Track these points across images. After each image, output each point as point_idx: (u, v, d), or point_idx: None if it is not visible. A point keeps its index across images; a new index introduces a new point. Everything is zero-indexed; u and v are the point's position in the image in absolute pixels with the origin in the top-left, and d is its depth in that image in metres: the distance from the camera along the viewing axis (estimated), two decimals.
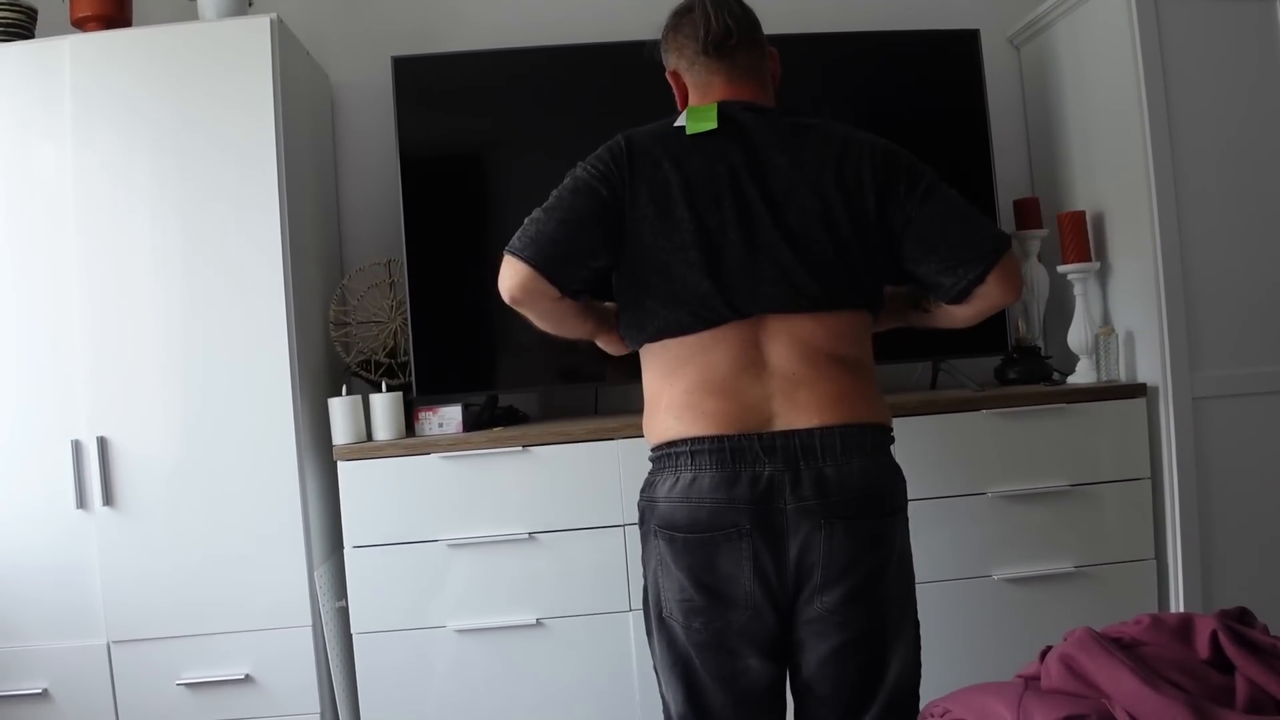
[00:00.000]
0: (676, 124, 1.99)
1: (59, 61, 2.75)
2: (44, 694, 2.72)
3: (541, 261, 1.88)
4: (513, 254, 1.91)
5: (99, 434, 2.71)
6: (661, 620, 1.95)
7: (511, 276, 1.90)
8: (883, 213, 1.95)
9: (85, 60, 2.75)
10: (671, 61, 2.09)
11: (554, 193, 1.96)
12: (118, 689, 2.72)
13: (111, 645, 2.72)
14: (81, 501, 2.71)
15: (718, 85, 2.03)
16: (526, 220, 1.94)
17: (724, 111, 1.96)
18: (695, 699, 1.93)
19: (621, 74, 2.94)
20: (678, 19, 2.07)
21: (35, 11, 2.94)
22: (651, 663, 2.04)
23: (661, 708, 2.04)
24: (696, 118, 1.96)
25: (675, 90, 2.10)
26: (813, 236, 1.91)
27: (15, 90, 2.76)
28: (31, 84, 2.76)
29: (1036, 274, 3.13)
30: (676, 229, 1.90)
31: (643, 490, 1.99)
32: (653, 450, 1.97)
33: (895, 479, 1.98)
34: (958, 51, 3.09)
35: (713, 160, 1.93)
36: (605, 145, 1.99)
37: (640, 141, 1.97)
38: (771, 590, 1.86)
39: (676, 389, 1.92)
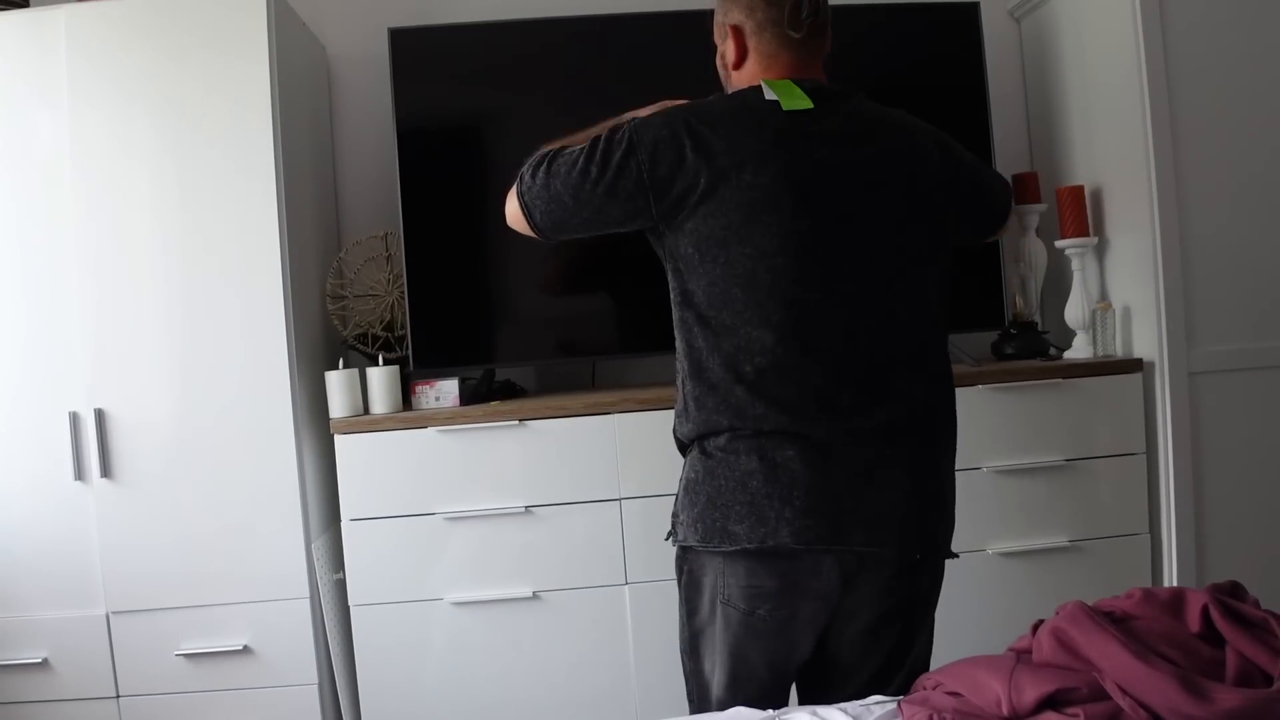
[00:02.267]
0: (768, 96, 1.86)
1: (54, 31, 2.73)
2: (44, 663, 2.74)
3: (549, 229, 1.97)
4: (524, 207, 1.96)
5: (96, 406, 2.72)
6: (716, 606, 1.86)
7: (515, 221, 2.01)
8: (941, 206, 1.97)
9: (81, 30, 2.73)
10: (735, 16, 1.95)
11: (595, 151, 1.87)
12: (117, 659, 2.74)
13: (110, 615, 2.74)
14: (80, 473, 2.72)
15: (785, 61, 1.93)
16: (558, 158, 1.93)
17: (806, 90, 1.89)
18: (740, 684, 1.87)
19: (621, 47, 2.99)
20: None
21: None
22: (680, 644, 1.97)
23: (686, 685, 1.99)
24: (787, 94, 1.86)
25: (729, 47, 1.98)
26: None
27: (11, 59, 2.74)
28: (27, 53, 2.74)
29: (1034, 248, 3.12)
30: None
31: None
32: None
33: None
34: (957, 24, 3.07)
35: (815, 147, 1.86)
36: (668, 123, 1.86)
37: (721, 128, 1.85)
38: (847, 574, 1.83)
39: None
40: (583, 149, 1.89)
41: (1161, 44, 2.79)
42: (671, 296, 1.91)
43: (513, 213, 2.00)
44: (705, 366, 1.83)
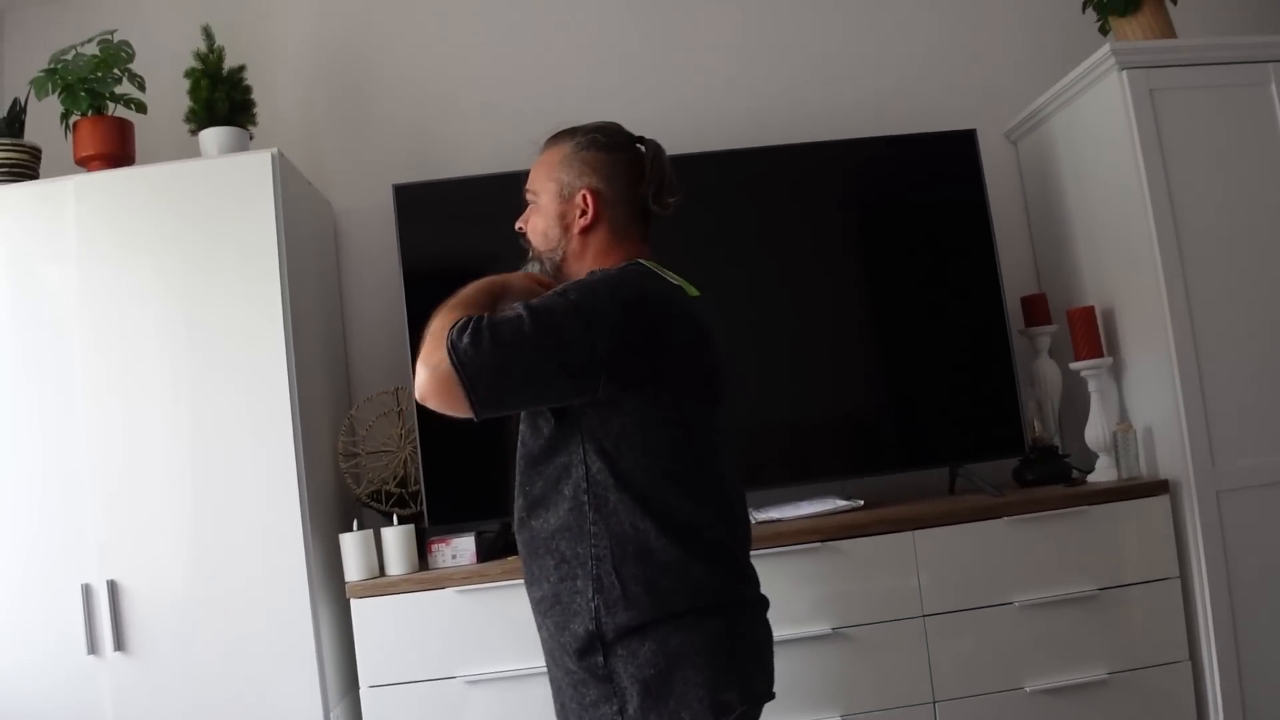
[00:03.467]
0: (673, 281, 1.92)
1: (63, 202, 2.76)
2: None
3: (489, 404, 1.72)
4: (465, 380, 1.69)
5: (109, 577, 2.67)
6: None
7: (441, 393, 1.72)
8: None
9: (89, 199, 2.77)
10: (591, 180, 1.92)
11: (548, 322, 1.72)
12: None
13: None
14: (93, 647, 2.66)
15: (634, 238, 1.96)
16: (497, 326, 1.71)
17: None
18: None
19: None
20: (616, 145, 1.96)
21: (39, 150, 2.96)
22: None
23: None
24: (678, 279, 1.94)
25: (580, 208, 1.93)
26: None
27: (21, 225, 2.77)
28: (38, 219, 2.77)
29: (1048, 371, 3.10)
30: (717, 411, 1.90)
31: None
32: None
33: None
34: (956, 151, 3.10)
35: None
36: (619, 301, 1.79)
37: (674, 308, 1.86)
38: None
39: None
40: (522, 317, 1.71)
41: (1160, 160, 2.81)
42: (568, 479, 1.78)
43: (439, 384, 1.70)
44: (651, 548, 1.74)
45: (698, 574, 1.76)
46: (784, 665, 2.61)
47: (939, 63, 3.47)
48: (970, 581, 2.70)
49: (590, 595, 1.73)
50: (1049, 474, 2.98)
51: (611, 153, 1.94)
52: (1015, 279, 3.20)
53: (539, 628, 1.87)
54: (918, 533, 2.70)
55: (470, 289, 1.88)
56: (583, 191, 1.91)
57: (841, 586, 2.69)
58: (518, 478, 1.87)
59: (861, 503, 2.88)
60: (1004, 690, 2.69)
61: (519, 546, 1.88)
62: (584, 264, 1.93)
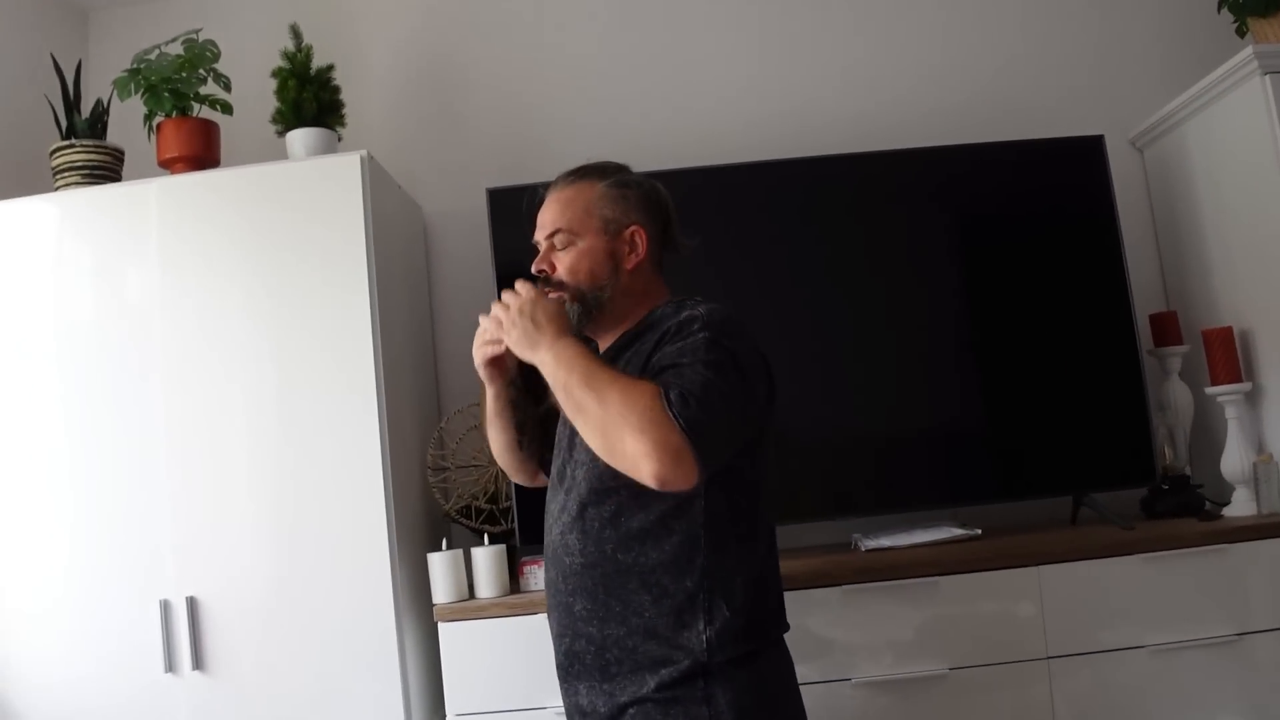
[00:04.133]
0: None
1: (145, 204, 2.70)
2: None
3: (706, 473, 1.63)
4: (701, 456, 1.59)
5: (188, 593, 2.58)
6: None
7: (674, 471, 1.59)
8: None
9: (172, 202, 2.69)
10: (638, 216, 1.91)
11: (737, 374, 1.70)
12: None
13: None
14: (170, 665, 2.57)
15: (661, 278, 1.97)
16: (707, 391, 1.62)
17: None
18: None
19: (702, 201, 2.87)
20: (640, 183, 1.97)
21: (121, 152, 2.89)
22: None
23: None
24: None
25: (629, 245, 1.90)
26: None
27: (103, 233, 2.71)
28: (119, 226, 2.70)
29: (1179, 394, 2.90)
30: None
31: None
32: None
33: None
34: (1080, 158, 2.90)
35: None
36: (754, 345, 1.80)
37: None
38: None
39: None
40: (711, 380, 1.64)
41: None
42: (684, 515, 1.73)
43: (673, 459, 1.58)
44: (756, 579, 1.80)
45: (775, 604, 1.86)
46: (896, 707, 2.51)
47: (1055, 66, 3.27)
48: (1099, 622, 2.51)
49: (701, 628, 1.72)
50: (1180, 506, 2.77)
51: (642, 189, 1.95)
52: (1140, 295, 2.98)
53: (605, 662, 1.77)
54: (1043, 568, 2.51)
55: (583, 369, 1.69)
56: (632, 228, 1.91)
57: (958, 623, 2.51)
58: (586, 511, 1.78)
59: (979, 531, 2.70)
60: None
61: (579, 579, 1.79)
62: (633, 300, 1.91)
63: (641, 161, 2.99)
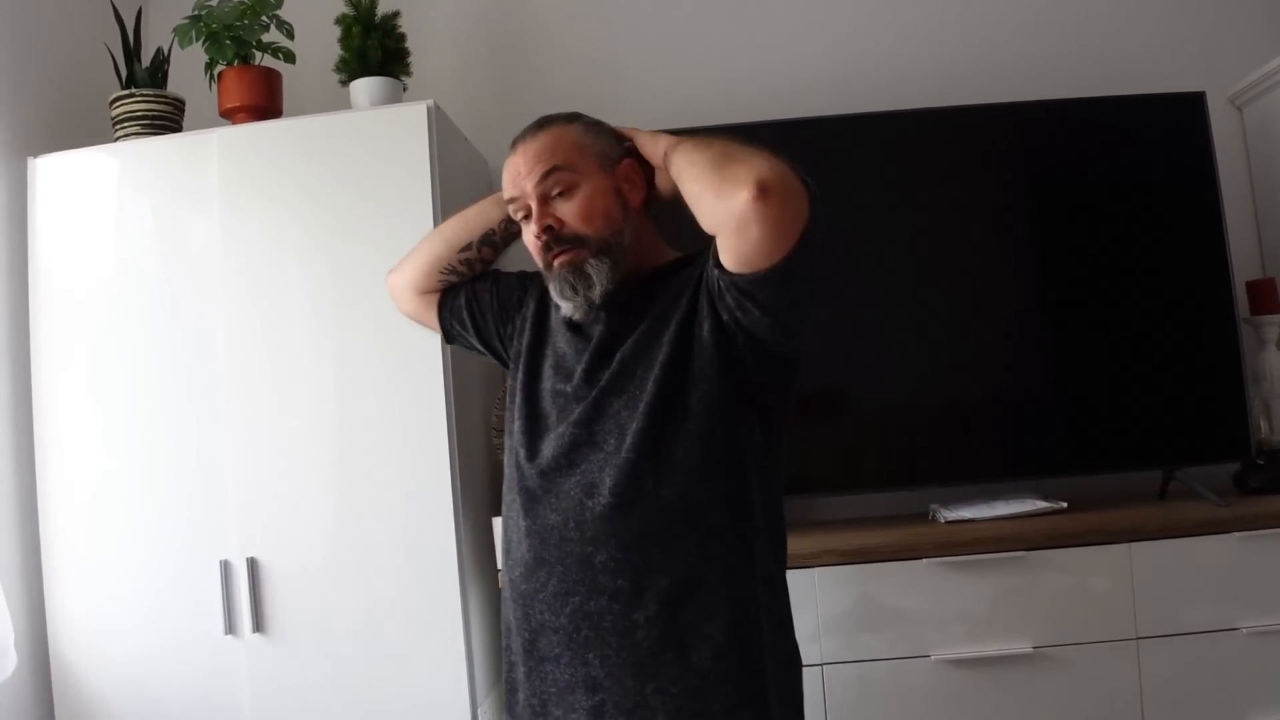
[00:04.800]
0: None
1: (206, 155, 2.62)
2: None
3: (797, 260, 1.49)
4: (809, 216, 1.48)
5: (249, 555, 2.53)
6: None
7: (782, 205, 1.45)
8: None
9: (234, 152, 2.62)
10: (623, 151, 1.73)
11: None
12: None
13: None
14: (230, 627, 2.53)
15: (651, 228, 1.81)
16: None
17: None
18: None
19: (795, 149, 2.74)
20: None
21: (182, 102, 2.82)
22: None
23: None
24: None
25: (632, 179, 1.70)
26: None
27: (163, 184, 2.64)
28: (180, 177, 2.63)
29: (1276, 364, 2.76)
30: None
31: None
32: None
33: None
34: (1177, 116, 2.77)
35: None
36: None
37: None
38: None
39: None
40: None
41: None
42: (723, 495, 1.59)
43: (791, 191, 1.46)
44: (777, 587, 1.66)
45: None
46: (975, 684, 2.41)
47: (1150, 19, 3.11)
48: (1192, 602, 2.41)
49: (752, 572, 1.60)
50: (1276, 481, 2.64)
51: (607, 125, 1.76)
52: (1239, 258, 2.82)
53: (647, 616, 1.54)
54: (1134, 545, 2.40)
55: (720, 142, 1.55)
56: (625, 161, 1.68)
57: (1043, 600, 2.42)
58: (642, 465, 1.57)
59: (1065, 505, 2.59)
60: None
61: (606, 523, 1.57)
62: (656, 247, 1.71)
63: (715, 114, 2.94)
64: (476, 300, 1.88)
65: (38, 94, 2.83)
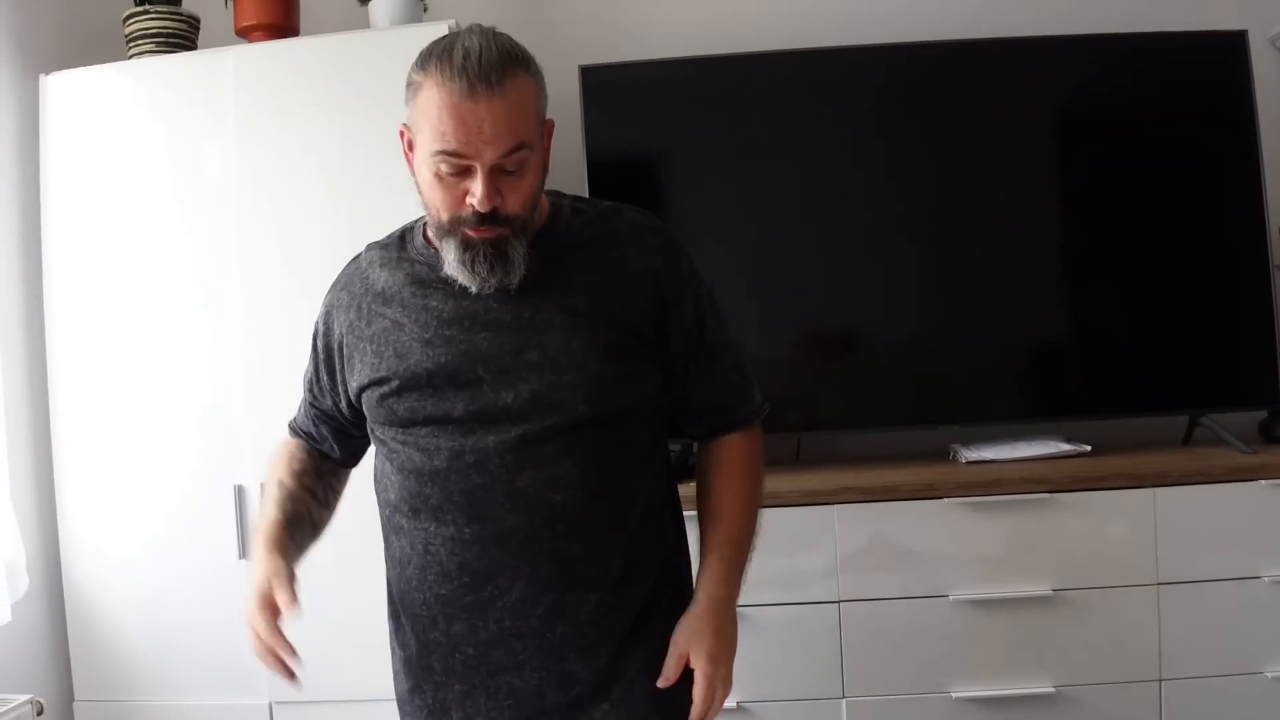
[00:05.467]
0: None
1: (222, 74, 2.58)
2: None
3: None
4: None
5: (262, 480, 2.50)
6: None
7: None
8: None
9: (250, 72, 2.58)
10: None
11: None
12: None
13: (274, 705, 2.55)
14: (244, 551, 2.52)
15: None
16: (750, 372, 1.63)
17: None
18: None
19: (805, 82, 2.77)
20: None
21: (197, 20, 2.76)
22: None
23: None
24: None
25: (548, 137, 1.52)
26: None
27: (178, 104, 2.60)
28: (195, 96, 2.59)
29: None
30: None
31: None
32: None
33: None
34: (1216, 56, 2.69)
35: None
36: None
37: None
38: None
39: None
40: (735, 338, 1.63)
41: None
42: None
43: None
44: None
45: None
46: (993, 625, 2.39)
47: None
48: (1215, 549, 2.38)
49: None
50: None
51: None
52: (1272, 206, 2.77)
53: (605, 609, 1.49)
54: (1159, 490, 2.37)
55: (745, 556, 1.58)
56: (548, 120, 1.49)
57: (1065, 543, 2.39)
58: (584, 433, 1.47)
59: (1089, 448, 2.56)
60: (1241, 673, 2.37)
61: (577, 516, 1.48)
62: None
63: (739, 43, 2.86)
64: (320, 395, 1.68)
65: (49, 9, 2.79)
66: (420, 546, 1.50)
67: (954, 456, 2.63)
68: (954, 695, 2.38)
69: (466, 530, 1.46)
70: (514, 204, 1.42)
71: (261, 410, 2.52)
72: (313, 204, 2.54)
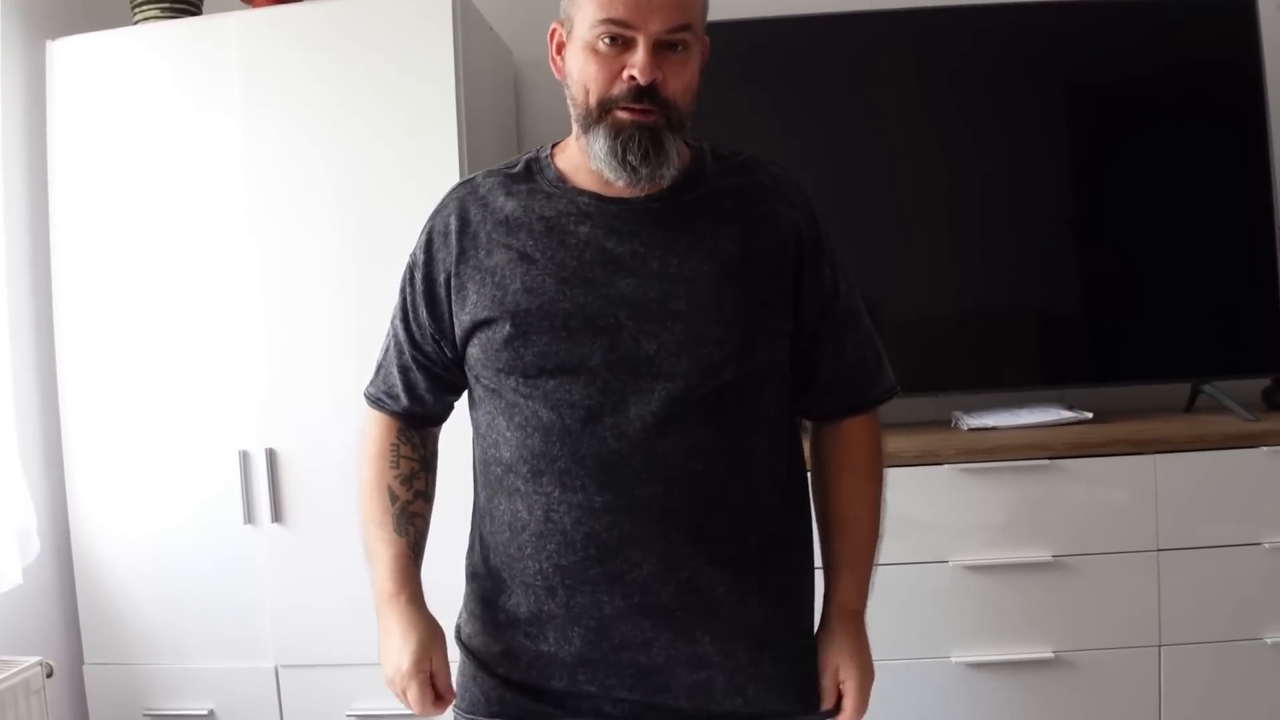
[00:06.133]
0: None
1: (226, 40, 2.56)
2: (210, 715, 2.60)
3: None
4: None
5: (268, 445, 2.53)
6: None
7: None
8: None
9: (254, 38, 2.56)
10: None
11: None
12: (286, 715, 2.58)
13: (280, 669, 2.57)
14: (249, 516, 2.55)
15: None
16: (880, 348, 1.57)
17: None
18: None
19: (807, 49, 2.74)
20: None
21: None
22: None
23: None
24: None
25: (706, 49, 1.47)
26: None
27: (182, 71, 2.59)
28: (199, 63, 2.58)
29: None
30: None
31: None
32: None
33: None
34: (1223, 18, 2.67)
35: None
36: None
37: None
38: None
39: None
40: (863, 309, 1.57)
41: None
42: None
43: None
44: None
45: None
46: (997, 591, 2.40)
47: None
48: (1216, 516, 2.38)
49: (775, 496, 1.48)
50: None
51: None
52: (1278, 173, 2.76)
53: (740, 574, 1.41)
54: (1160, 457, 2.38)
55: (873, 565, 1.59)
56: (706, 39, 1.41)
57: (1066, 509, 2.40)
58: (724, 400, 1.39)
59: (1090, 415, 2.57)
60: (1241, 639, 2.38)
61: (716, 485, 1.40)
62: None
63: (740, 8, 2.82)
64: (422, 337, 1.54)
65: None
66: (540, 513, 1.38)
67: (955, 423, 2.63)
68: (954, 660, 2.40)
69: (597, 499, 1.35)
70: (675, 86, 1.33)
71: (268, 376, 2.54)
72: (318, 169, 2.53)
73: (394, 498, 1.55)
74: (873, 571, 1.52)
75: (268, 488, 2.53)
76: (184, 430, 2.57)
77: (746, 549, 1.40)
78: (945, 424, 2.68)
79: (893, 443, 2.42)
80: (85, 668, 2.64)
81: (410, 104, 2.50)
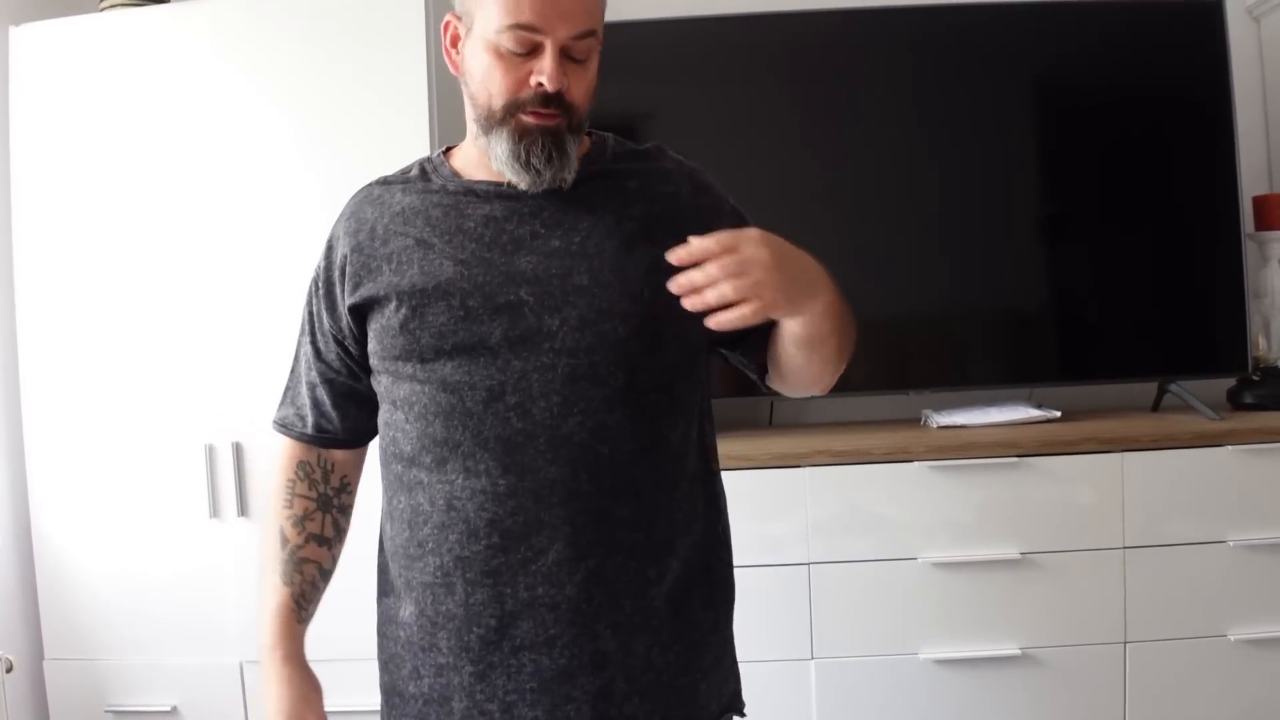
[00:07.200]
0: None
1: (196, 26, 2.55)
2: (173, 712, 2.58)
3: None
4: None
5: (233, 439, 2.51)
6: None
7: None
8: None
9: (223, 23, 2.55)
10: None
11: None
12: (250, 711, 2.55)
13: (244, 665, 2.55)
14: (215, 511, 2.52)
15: None
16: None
17: None
18: None
19: (776, 47, 2.74)
20: None
21: None
22: None
23: None
24: None
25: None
26: None
27: (151, 59, 2.56)
28: (169, 51, 2.55)
29: (1278, 282, 2.73)
30: None
31: None
32: None
33: None
34: (1191, 24, 2.69)
35: None
36: None
37: None
38: None
39: None
40: None
41: None
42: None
43: None
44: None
45: None
46: (965, 588, 2.42)
47: None
48: (1181, 513, 2.40)
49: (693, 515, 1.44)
50: (1270, 398, 2.63)
51: None
52: (1247, 172, 2.77)
53: (646, 577, 1.36)
54: (1126, 455, 2.40)
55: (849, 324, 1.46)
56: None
57: (1034, 507, 2.42)
58: (636, 380, 1.35)
59: (1058, 414, 2.59)
60: (1205, 636, 2.40)
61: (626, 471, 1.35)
62: None
63: (717, 5, 2.81)
64: (325, 346, 1.48)
65: None
66: (442, 502, 1.33)
67: (925, 421, 2.64)
68: (921, 656, 2.41)
69: (501, 482, 1.30)
70: (577, 93, 1.31)
71: (231, 369, 2.52)
72: (288, 158, 2.52)
73: (284, 541, 1.47)
74: (846, 320, 1.45)
75: (234, 482, 2.51)
76: (149, 424, 2.55)
77: (655, 538, 1.35)
78: (915, 422, 2.69)
79: (864, 440, 2.47)
80: (45, 663, 2.61)
81: (383, 90, 2.50)
